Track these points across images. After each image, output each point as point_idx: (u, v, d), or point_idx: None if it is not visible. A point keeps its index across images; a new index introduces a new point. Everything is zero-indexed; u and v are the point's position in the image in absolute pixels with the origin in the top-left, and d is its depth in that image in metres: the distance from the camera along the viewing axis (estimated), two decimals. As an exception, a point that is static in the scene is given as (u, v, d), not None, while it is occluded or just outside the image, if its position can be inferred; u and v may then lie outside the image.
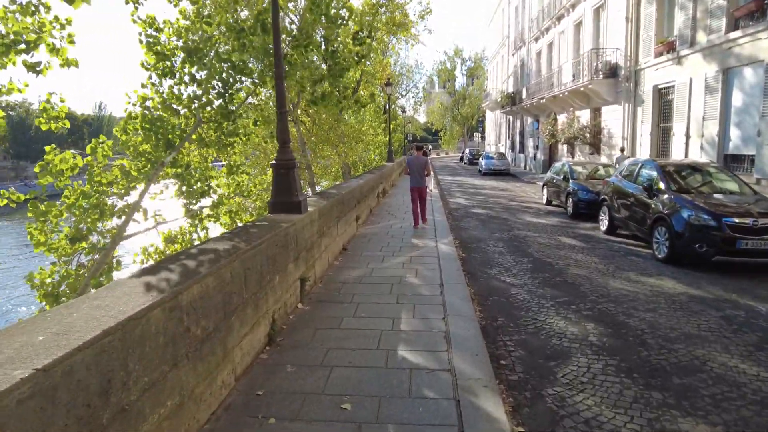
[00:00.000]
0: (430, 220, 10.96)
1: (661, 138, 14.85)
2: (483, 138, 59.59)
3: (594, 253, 8.50)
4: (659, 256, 7.76)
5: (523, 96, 29.66)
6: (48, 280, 5.53)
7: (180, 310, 2.73)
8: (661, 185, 8.20)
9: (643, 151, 15.52)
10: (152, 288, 2.68)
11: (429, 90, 66.46)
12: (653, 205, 8.16)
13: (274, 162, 5.45)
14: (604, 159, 18.85)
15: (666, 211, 7.74)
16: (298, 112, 19.87)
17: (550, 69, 26.33)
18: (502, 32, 40.81)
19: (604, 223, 10.31)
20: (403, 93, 50.97)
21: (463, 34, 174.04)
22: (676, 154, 13.42)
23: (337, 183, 14.14)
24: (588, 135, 20.01)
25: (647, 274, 7.09)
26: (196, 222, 7.28)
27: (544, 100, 24.27)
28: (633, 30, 15.69)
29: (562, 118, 23.44)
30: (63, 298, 5.22)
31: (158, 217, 6.54)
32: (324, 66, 6.82)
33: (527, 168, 32.27)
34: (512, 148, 37.78)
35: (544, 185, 15.31)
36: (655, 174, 8.61)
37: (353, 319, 4.72)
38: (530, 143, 31.42)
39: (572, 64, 19.88)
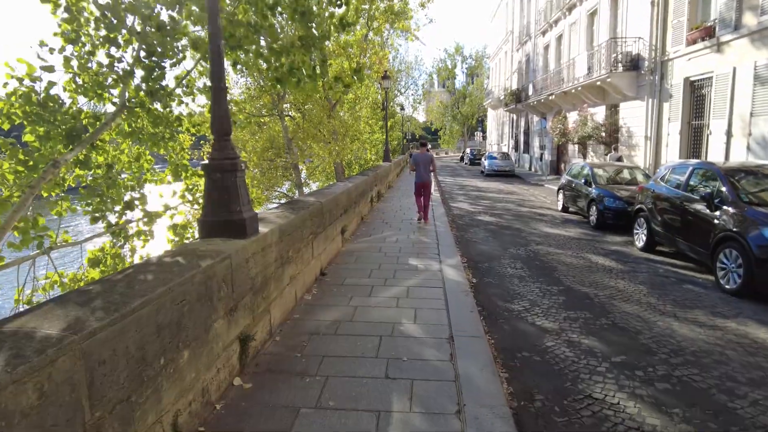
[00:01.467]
0: (431, 231, 9.25)
1: (693, 137, 13.14)
2: (484, 137, 57.90)
3: (637, 278, 6.77)
4: (727, 286, 6.04)
5: (529, 93, 27.95)
6: None
7: None
8: (726, 194, 6.47)
9: (671, 152, 13.82)
10: None
11: (428, 88, 64.71)
12: (716, 221, 6.43)
13: (206, 162, 3.71)
14: (623, 160, 17.13)
15: (736, 229, 6.02)
16: (286, 105, 18.11)
17: (558, 64, 24.63)
18: (506, 27, 39.09)
19: (640, 238, 8.59)
20: (402, 90, 49.30)
21: (465, 30, 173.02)
22: (714, 156, 11.71)
23: (321, 187, 12.43)
24: (604, 134, 18.29)
25: (720, 314, 5.36)
26: (121, 240, 5.53)
27: (553, 97, 22.56)
28: (660, 16, 13.98)
29: (573, 116, 21.72)
30: None
31: (52, 238, 4.76)
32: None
33: (532, 169, 30.57)
34: (516, 147, 36.08)
35: (559, 190, 13.59)
36: (715, 180, 6.89)
37: (314, 414, 2.97)
38: (536, 143, 29.71)
39: (587, 56, 18.18)
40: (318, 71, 4.99)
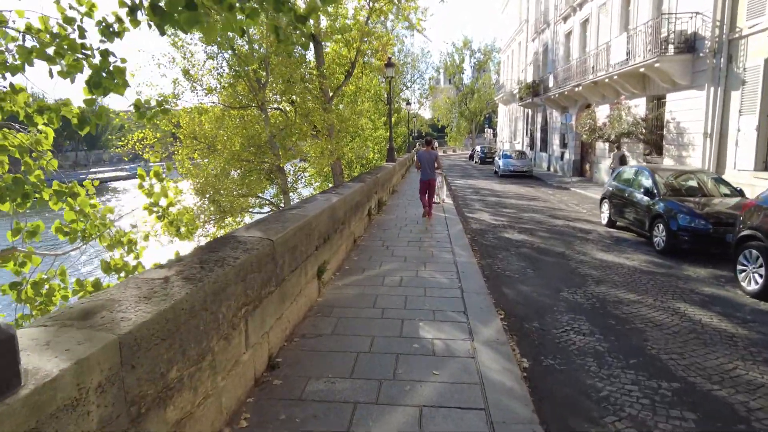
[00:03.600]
0: (449, 260, 6.72)
1: (775, 134, 10.49)
2: (495, 134, 55.12)
3: (789, 360, 4.19)
4: None
5: (549, 85, 25.23)
6: None
7: None
8: None
9: (742, 153, 11.16)
10: None
11: (435, 84, 61.92)
12: None
13: None
14: (668, 161, 14.50)
15: None
16: (276, 96, 15.54)
17: (584, 52, 21.93)
18: (520, 16, 36.36)
19: (752, 279, 5.98)
20: (408, 84, 46.60)
21: (473, 25, 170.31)
22: (812, 158, 9.06)
23: (304, 198, 9.95)
24: (644, 130, 15.62)
25: None
26: None
27: (580, 88, 19.87)
28: (728, -17, 11.30)
29: (603, 110, 19.04)
30: None
31: None
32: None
33: (551, 169, 27.86)
34: (531, 145, 33.35)
35: (603, 199, 10.98)
36: None
37: None
38: (555, 140, 26.99)
39: (625, 39, 15.47)
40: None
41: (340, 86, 17.53)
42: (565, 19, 24.96)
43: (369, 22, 17.64)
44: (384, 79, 22.92)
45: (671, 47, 13.13)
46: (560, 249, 8.57)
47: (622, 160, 19.08)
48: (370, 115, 26.23)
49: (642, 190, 9.15)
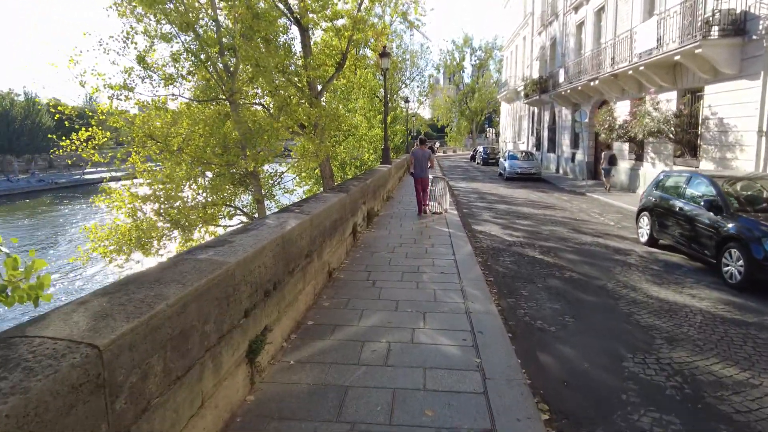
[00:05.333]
0: (457, 305, 4.78)
1: None
2: (497, 134, 53.15)
3: None
4: None
5: (559, 80, 23.23)
6: None
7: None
8: None
9: (810, 155, 9.21)
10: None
11: (434, 83, 59.97)
12: None
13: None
14: (705, 165, 12.54)
15: None
16: (240, 84, 13.36)
17: (598, 43, 20.02)
18: (524, 9, 34.41)
19: None
20: (407, 82, 44.59)
21: (474, 24, 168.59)
22: None
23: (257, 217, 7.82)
24: (675, 129, 13.65)
25: None
26: None
27: (596, 83, 17.89)
28: (791, -50, 9.35)
29: (622, 106, 17.11)
30: None
31: None
32: None
33: (560, 171, 25.88)
34: (537, 146, 31.37)
35: (642, 211, 9.00)
36: None
37: None
38: (565, 140, 25.01)
39: (655, 23, 13.49)
40: None
41: (330, 79, 15.58)
42: (577, 8, 23.03)
43: (362, 8, 15.68)
44: (381, 76, 20.94)
45: (715, 30, 11.16)
46: (600, 280, 6.59)
47: (612, 161, 17.28)
48: (365, 112, 24.27)
49: (702, 203, 7.18)
